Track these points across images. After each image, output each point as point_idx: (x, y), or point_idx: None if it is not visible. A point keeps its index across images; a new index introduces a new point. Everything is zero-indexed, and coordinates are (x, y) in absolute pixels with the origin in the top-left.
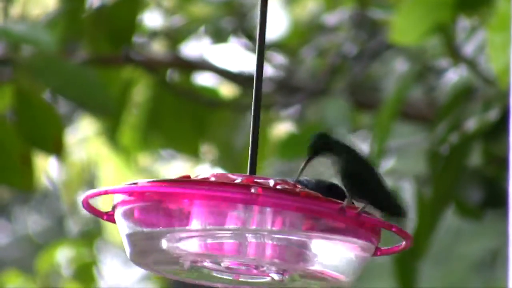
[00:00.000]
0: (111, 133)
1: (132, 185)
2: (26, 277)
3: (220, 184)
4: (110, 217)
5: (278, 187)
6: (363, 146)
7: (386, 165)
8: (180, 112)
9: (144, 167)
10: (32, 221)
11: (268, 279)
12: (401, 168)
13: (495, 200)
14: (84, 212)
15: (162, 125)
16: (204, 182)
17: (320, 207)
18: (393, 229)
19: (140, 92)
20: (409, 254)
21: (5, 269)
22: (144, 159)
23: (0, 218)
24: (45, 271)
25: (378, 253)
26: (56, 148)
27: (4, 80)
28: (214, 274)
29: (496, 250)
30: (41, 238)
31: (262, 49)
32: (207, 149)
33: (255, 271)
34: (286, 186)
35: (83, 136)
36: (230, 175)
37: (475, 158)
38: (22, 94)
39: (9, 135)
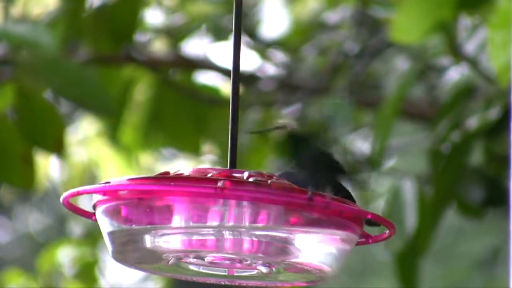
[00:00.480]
0: (112, 132)
1: (105, 184)
2: (27, 276)
3: (190, 179)
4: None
5: (250, 179)
6: (364, 145)
7: (387, 164)
8: (181, 111)
9: (145, 166)
10: (33, 220)
11: (255, 272)
12: (402, 167)
13: (497, 199)
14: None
15: (164, 124)
16: (174, 178)
17: (289, 198)
18: (369, 216)
19: (141, 91)
20: (410, 252)
21: (6, 268)
22: (145, 158)
23: (1, 217)
24: (47, 270)
25: (362, 243)
26: (57, 147)
27: (5, 79)
28: (204, 270)
29: (497, 248)
30: (42, 236)
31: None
32: (209, 148)
33: (239, 264)
34: (259, 179)
35: (84, 135)
36: (208, 169)
37: (476, 156)
38: (23, 93)
39: (10, 134)
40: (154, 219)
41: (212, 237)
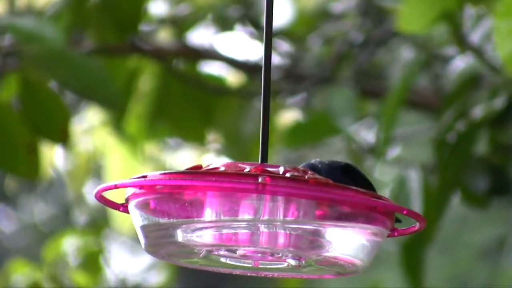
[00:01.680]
0: (117, 122)
1: (142, 178)
2: (32, 266)
3: (228, 174)
4: (126, 208)
5: (287, 175)
6: (369, 134)
7: (392, 154)
8: (186, 101)
9: (150, 156)
10: (38, 210)
11: (285, 264)
12: (408, 156)
13: (502, 188)
14: (91, 201)
15: (169, 114)
16: (213, 173)
17: (330, 194)
18: (404, 212)
19: (147, 81)
20: (415, 242)
21: (11, 258)
22: (150, 148)
23: (6, 207)
24: (52, 260)
25: (396, 234)
26: (62, 137)
27: (10, 70)
28: (231, 262)
29: (502, 237)
30: (47, 226)
31: (269, 37)
32: (214, 138)
33: (270, 257)
34: (296, 174)
35: (89, 125)
36: (240, 164)
37: (482, 146)
38: (28, 83)
39: (15, 124)
40: (187, 213)
41: (244, 231)
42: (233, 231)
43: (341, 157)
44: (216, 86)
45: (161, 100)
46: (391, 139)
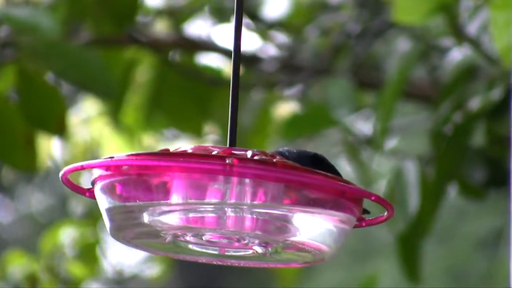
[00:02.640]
0: (114, 114)
1: (108, 159)
2: (29, 257)
3: (196, 156)
4: (92, 193)
5: (255, 158)
6: (365, 125)
7: (389, 145)
8: (183, 92)
9: (147, 147)
10: (35, 200)
11: (250, 252)
12: (404, 148)
13: (499, 180)
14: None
15: (165, 105)
16: (180, 154)
17: (298, 176)
18: (373, 198)
19: (143, 72)
20: (412, 233)
21: (8, 249)
22: (147, 139)
23: (3, 197)
24: (49, 251)
25: (364, 224)
26: (60, 128)
27: (7, 62)
28: (197, 248)
29: (499, 229)
30: (44, 217)
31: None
32: (211, 129)
33: (237, 244)
34: (264, 157)
35: (86, 116)
36: (210, 147)
37: (479, 137)
38: (25, 74)
39: (12, 115)
40: (153, 196)
41: (211, 214)
42: (199, 214)
43: (338, 149)
44: (213, 77)
45: (158, 91)
46: (388, 130)
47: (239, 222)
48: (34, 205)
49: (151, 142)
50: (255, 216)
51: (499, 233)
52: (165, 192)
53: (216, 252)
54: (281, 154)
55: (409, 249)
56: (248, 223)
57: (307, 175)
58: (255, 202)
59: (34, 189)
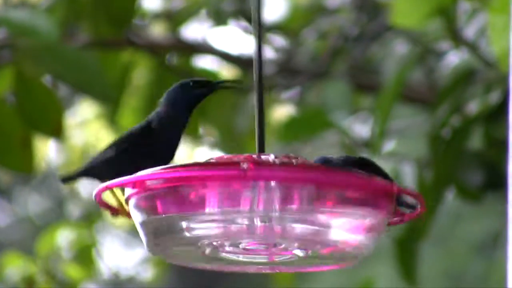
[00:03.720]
0: (111, 116)
1: (136, 176)
2: (26, 259)
3: (213, 164)
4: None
5: (276, 161)
6: (363, 128)
7: (386, 148)
8: None
9: None
10: (32, 203)
11: (289, 256)
12: (402, 150)
13: (496, 183)
14: (84, 195)
15: None
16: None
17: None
18: (408, 193)
19: (140, 74)
20: (409, 236)
21: (5, 251)
22: None
23: (0, 200)
24: (46, 253)
25: (397, 221)
26: (56, 130)
27: (4, 64)
28: (241, 258)
29: (496, 232)
30: (41, 219)
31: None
32: (208, 131)
33: (274, 249)
34: (284, 160)
35: (83, 119)
36: (236, 157)
37: (476, 141)
38: (22, 77)
39: (9, 118)
40: (187, 207)
41: (245, 222)
42: (234, 222)
43: (335, 151)
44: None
45: (154, 93)
46: (385, 133)
47: (270, 228)
48: (31, 208)
49: None
50: (286, 222)
51: (496, 236)
52: (195, 203)
53: (261, 260)
54: (326, 159)
55: (406, 251)
56: (278, 228)
57: (326, 174)
58: (286, 206)
59: (31, 192)
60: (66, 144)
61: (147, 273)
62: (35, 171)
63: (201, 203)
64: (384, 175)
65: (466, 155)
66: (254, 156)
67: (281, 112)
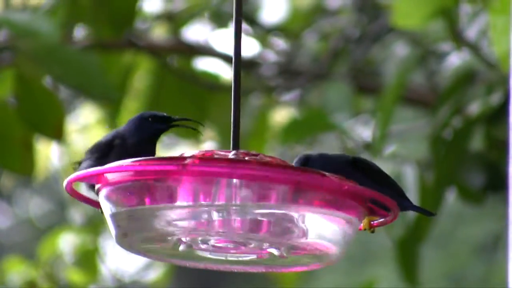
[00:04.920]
0: (113, 119)
1: (106, 168)
2: (28, 264)
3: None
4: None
5: (230, 157)
6: (364, 130)
7: (388, 150)
8: (181, 97)
9: None
10: (33, 205)
11: (255, 256)
12: (403, 152)
13: (497, 184)
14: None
15: (164, 110)
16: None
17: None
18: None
19: (141, 77)
20: (411, 238)
21: (6, 254)
22: None
23: (1, 202)
24: (48, 257)
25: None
26: (57, 133)
27: (5, 66)
28: (202, 254)
29: (497, 233)
30: (42, 222)
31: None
32: (209, 133)
33: (243, 248)
34: (238, 156)
35: (85, 121)
36: (215, 151)
37: (477, 142)
38: (23, 79)
39: (10, 120)
40: (158, 200)
41: (215, 217)
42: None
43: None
44: (211, 82)
45: (156, 96)
46: (387, 135)
47: (244, 224)
48: (32, 210)
49: None
50: (258, 218)
51: (497, 237)
52: (170, 196)
53: (222, 258)
54: (306, 157)
55: (407, 253)
56: (249, 224)
57: (270, 170)
58: (258, 203)
59: (32, 194)
60: (68, 148)
61: (150, 277)
62: (36, 173)
63: (166, 197)
64: (382, 176)
65: (467, 156)
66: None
67: (282, 114)
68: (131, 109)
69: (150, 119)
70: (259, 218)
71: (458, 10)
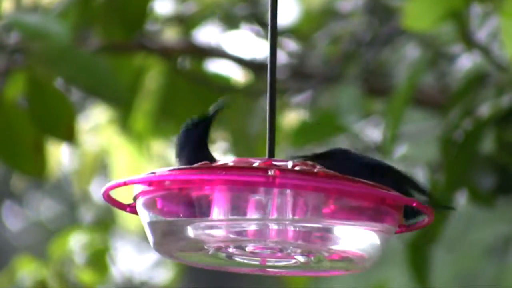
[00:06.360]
0: (124, 121)
1: (151, 174)
2: (38, 263)
3: (238, 168)
4: (132, 208)
5: (296, 168)
6: (374, 132)
7: (398, 152)
8: (192, 98)
9: (156, 154)
10: (44, 207)
11: (293, 261)
12: (414, 154)
13: (508, 187)
14: (97, 199)
15: (175, 112)
16: (222, 167)
17: (339, 185)
18: (414, 204)
19: (153, 79)
20: (421, 240)
21: (18, 255)
22: (156, 146)
23: (13, 204)
24: (58, 257)
25: (403, 230)
26: (68, 135)
27: (16, 68)
28: (239, 259)
29: (508, 236)
30: (53, 224)
31: (274, 33)
32: (220, 136)
33: (279, 254)
34: (304, 167)
35: (96, 123)
36: (250, 159)
37: (488, 144)
38: (35, 81)
39: (21, 122)
40: (197, 211)
41: (253, 227)
42: (242, 228)
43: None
44: (222, 85)
45: (167, 98)
46: (397, 137)
47: (281, 234)
48: (43, 212)
49: (161, 149)
50: (297, 228)
51: (508, 239)
52: (207, 206)
53: (257, 263)
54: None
55: (418, 255)
56: (290, 234)
57: (348, 184)
58: (296, 217)
59: (43, 196)
60: (79, 149)
61: (160, 277)
62: (47, 175)
63: (210, 206)
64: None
65: (478, 158)
66: (273, 162)
67: (293, 116)
68: (142, 111)
69: (190, 126)
70: (296, 228)
71: (468, 12)
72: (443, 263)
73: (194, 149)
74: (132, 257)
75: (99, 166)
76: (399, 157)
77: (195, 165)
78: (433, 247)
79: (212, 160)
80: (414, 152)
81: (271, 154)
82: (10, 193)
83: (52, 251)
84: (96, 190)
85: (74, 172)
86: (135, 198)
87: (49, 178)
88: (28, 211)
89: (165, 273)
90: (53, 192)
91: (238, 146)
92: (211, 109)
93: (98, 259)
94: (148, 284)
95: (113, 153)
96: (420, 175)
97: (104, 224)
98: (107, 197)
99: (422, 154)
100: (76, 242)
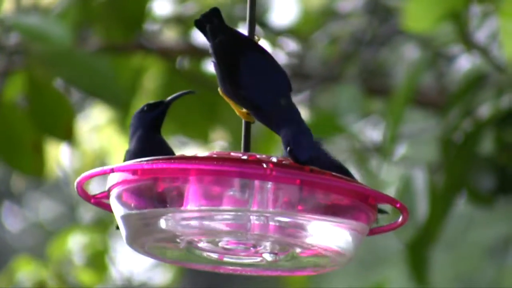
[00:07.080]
0: (123, 121)
1: (128, 165)
2: (38, 264)
3: (230, 160)
4: (96, 200)
5: (284, 162)
6: (374, 132)
7: (398, 152)
8: (191, 99)
9: None
10: (43, 208)
11: (258, 259)
12: (413, 155)
13: (507, 187)
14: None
15: (173, 112)
16: (212, 158)
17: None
18: (398, 206)
19: (152, 78)
20: (421, 241)
21: (17, 256)
22: None
23: (12, 205)
24: (57, 258)
25: (376, 231)
26: (67, 135)
27: (16, 69)
28: (204, 255)
29: (508, 236)
30: (53, 225)
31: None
32: (219, 135)
33: (252, 250)
34: (288, 163)
35: (95, 124)
36: (232, 153)
37: (487, 145)
38: (34, 82)
39: (20, 122)
40: (171, 203)
41: (228, 221)
42: (216, 220)
43: (346, 156)
44: None
45: (166, 97)
46: (397, 137)
47: (258, 227)
48: (42, 213)
49: None
50: (274, 223)
51: (508, 240)
52: (182, 199)
53: (236, 261)
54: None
55: (417, 256)
56: (265, 228)
57: (335, 180)
58: (273, 210)
59: (42, 197)
60: (78, 150)
61: (159, 278)
62: (46, 175)
63: (180, 200)
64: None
65: (478, 159)
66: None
67: None
68: None
69: (145, 108)
70: (271, 223)
71: (468, 13)
72: (443, 263)
73: (146, 132)
74: (131, 257)
75: (99, 165)
76: (399, 157)
77: (175, 156)
78: (433, 247)
79: (165, 145)
80: (413, 152)
81: (247, 148)
82: (9, 194)
83: (51, 252)
84: (96, 191)
85: (74, 172)
86: (109, 191)
87: (48, 178)
88: (27, 212)
89: (164, 274)
90: (52, 192)
91: (237, 145)
92: (170, 96)
93: (98, 260)
94: (147, 285)
95: (112, 153)
96: (420, 175)
97: (104, 224)
98: (80, 189)
99: (422, 154)
100: (75, 243)
